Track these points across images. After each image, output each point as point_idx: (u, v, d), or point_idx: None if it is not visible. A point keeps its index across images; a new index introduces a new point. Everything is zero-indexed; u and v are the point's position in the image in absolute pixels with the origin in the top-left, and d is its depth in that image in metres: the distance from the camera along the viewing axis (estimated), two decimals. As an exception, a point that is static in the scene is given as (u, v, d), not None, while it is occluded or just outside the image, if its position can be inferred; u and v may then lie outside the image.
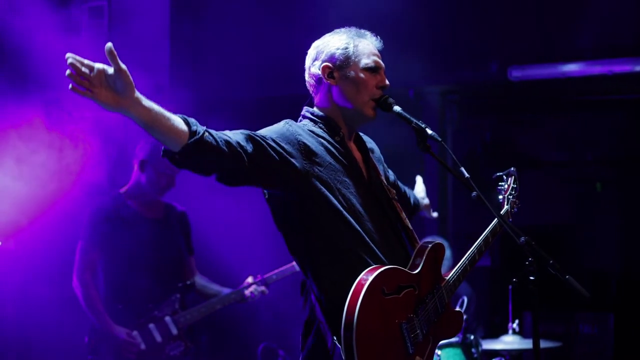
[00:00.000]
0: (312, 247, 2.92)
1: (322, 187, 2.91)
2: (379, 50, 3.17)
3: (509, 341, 5.82)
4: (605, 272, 8.34)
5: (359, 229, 2.93)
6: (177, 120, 2.61)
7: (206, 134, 2.63)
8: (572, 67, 6.81)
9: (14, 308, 7.17)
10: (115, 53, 2.40)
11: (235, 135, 2.76)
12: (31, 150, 6.12)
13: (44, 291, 6.97)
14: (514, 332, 5.85)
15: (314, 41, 3.22)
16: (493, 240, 3.28)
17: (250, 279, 5.39)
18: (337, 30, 3.19)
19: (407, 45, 6.69)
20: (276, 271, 5.41)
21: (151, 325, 5.07)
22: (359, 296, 2.75)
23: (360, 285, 2.78)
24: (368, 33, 3.19)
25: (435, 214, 4.06)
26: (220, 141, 2.67)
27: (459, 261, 3.18)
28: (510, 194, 3.53)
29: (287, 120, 3.03)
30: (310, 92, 3.21)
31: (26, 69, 6.67)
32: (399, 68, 5.62)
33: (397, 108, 3.07)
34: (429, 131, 2.99)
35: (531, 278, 2.82)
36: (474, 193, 2.92)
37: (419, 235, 3.20)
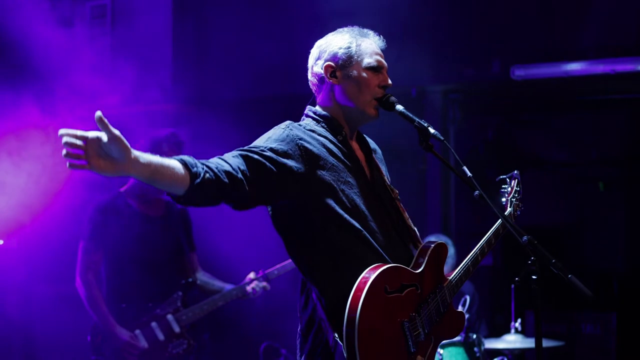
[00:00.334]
0: (313, 249, 2.92)
1: (324, 189, 2.92)
2: (381, 50, 3.17)
3: (511, 340, 5.82)
4: (608, 272, 8.33)
5: (361, 229, 2.93)
6: (177, 166, 2.58)
7: (207, 174, 2.62)
8: (575, 66, 6.79)
9: (17, 307, 7.18)
10: (106, 121, 2.36)
11: (234, 160, 2.75)
12: (29, 148, 6.13)
13: (47, 290, 6.99)
14: (517, 332, 5.85)
15: (316, 40, 3.22)
16: (496, 241, 3.28)
17: (252, 275, 5.39)
18: (340, 29, 3.19)
19: (410, 44, 6.68)
20: (277, 266, 5.41)
21: (153, 324, 5.07)
22: (361, 294, 2.76)
23: (363, 282, 2.79)
24: (371, 32, 3.19)
25: None
26: (221, 174, 2.66)
27: (462, 260, 3.18)
28: (513, 197, 3.52)
29: (289, 123, 3.02)
30: (313, 91, 3.21)
31: (27, 68, 6.68)
32: (402, 67, 5.61)
33: (399, 107, 3.07)
34: (432, 130, 2.99)
35: (534, 277, 2.81)
36: (476, 192, 2.92)
37: (421, 234, 3.20)
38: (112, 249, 5.10)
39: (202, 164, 2.64)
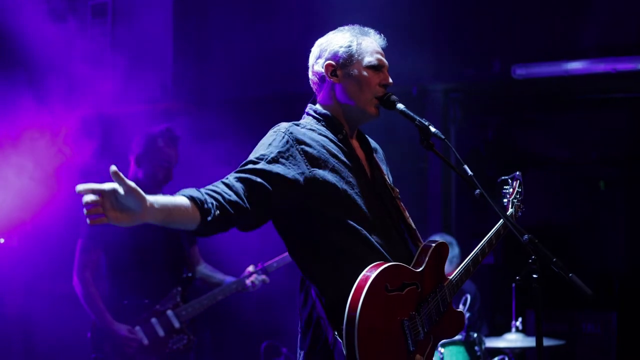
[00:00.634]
0: (313, 249, 2.92)
1: (326, 190, 2.92)
2: (382, 48, 3.17)
3: (512, 339, 5.82)
4: (609, 271, 8.33)
5: (362, 228, 2.93)
6: (187, 205, 2.63)
7: (217, 211, 2.66)
8: (575, 65, 6.79)
9: (17, 304, 7.18)
10: (122, 175, 2.43)
11: (239, 186, 2.77)
12: (28, 147, 6.13)
13: (48, 287, 6.99)
14: (517, 330, 5.85)
15: (317, 39, 3.22)
16: (497, 241, 3.27)
17: (251, 268, 5.39)
18: (341, 28, 3.19)
19: (411, 43, 6.68)
20: (277, 259, 5.41)
21: (153, 320, 5.08)
22: (362, 291, 2.76)
23: (364, 280, 2.79)
24: (372, 31, 3.19)
25: None
26: (229, 206, 2.70)
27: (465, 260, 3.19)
28: (515, 198, 3.51)
29: (288, 126, 3.00)
30: (314, 89, 3.21)
31: (26, 66, 6.69)
32: (402, 66, 5.61)
33: (400, 106, 3.07)
34: (432, 129, 3.00)
35: (534, 276, 2.81)
36: (477, 191, 2.92)
37: (422, 234, 3.20)
38: (112, 246, 5.11)
39: (210, 196, 2.68)
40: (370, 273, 2.81)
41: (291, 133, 2.96)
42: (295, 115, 3.19)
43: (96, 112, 7.15)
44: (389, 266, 2.86)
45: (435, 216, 7.52)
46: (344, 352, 2.74)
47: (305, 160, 2.92)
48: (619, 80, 6.97)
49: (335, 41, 3.13)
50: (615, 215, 8.49)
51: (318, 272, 2.91)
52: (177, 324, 5.13)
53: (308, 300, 2.96)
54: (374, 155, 3.23)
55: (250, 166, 2.85)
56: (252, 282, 5.34)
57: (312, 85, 3.21)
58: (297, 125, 3.06)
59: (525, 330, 5.91)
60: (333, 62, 3.10)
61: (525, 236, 2.83)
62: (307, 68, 3.22)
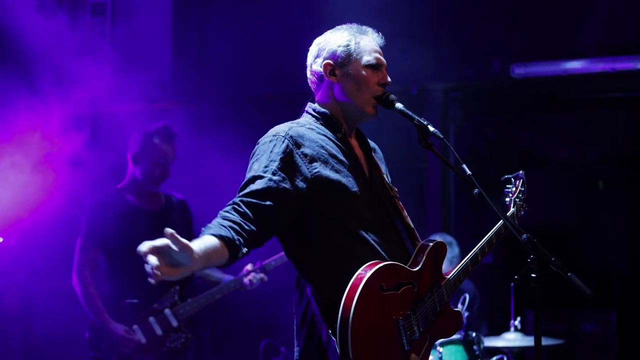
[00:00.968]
0: (310, 248, 2.92)
1: (325, 190, 2.92)
2: (380, 47, 3.17)
3: (510, 339, 5.82)
4: (608, 271, 8.32)
5: (359, 227, 2.93)
6: (220, 246, 2.69)
7: (244, 248, 2.74)
8: (574, 65, 6.80)
9: (16, 304, 7.18)
10: (177, 235, 2.53)
11: (249, 212, 2.80)
12: (27, 146, 6.13)
13: (46, 286, 6.98)
14: (516, 330, 5.85)
15: (316, 38, 3.22)
16: (497, 241, 3.26)
17: (249, 267, 5.39)
18: (339, 26, 3.18)
19: (410, 42, 6.68)
20: (275, 257, 5.41)
21: (151, 319, 5.08)
22: (356, 290, 2.75)
23: (359, 279, 2.78)
24: (370, 29, 3.19)
25: None
26: (249, 237, 2.76)
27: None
28: (517, 197, 3.50)
29: (288, 130, 2.99)
30: (312, 88, 3.21)
31: (25, 67, 6.68)
32: (402, 65, 5.61)
33: (399, 105, 3.07)
34: (431, 128, 2.99)
35: (533, 276, 2.81)
36: (476, 190, 2.92)
37: (421, 233, 3.20)
38: (111, 245, 5.11)
39: (235, 231, 2.73)
40: (365, 272, 2.80)
41: (291, 137, 2.96)
42: (294, 114, 3.18)
43: (95, 110, 7.14)
44: (384, 265, 2.85)
45: (434, 216, 7.52)
46: (338, 351, 2.74)
47: (306, 163, 2.93)
48: (618, 79, 6.97)
49: (334, 40, 3.12)
50: (614, 215, 8.49)
51: (314, 271, 2.91)
52: (175, 323, 5.13)
53: (303, 297, 2.96)
54: (373, 154, 3.23)
55: (257, 186, 2.84)
56: (250, 281, 5.34)
57: (310, 84, 3.21)
58: (296, 124, 3.05)
59: (524, 330, 5.91)
60: (331, 62, 3.10)
61: (524, 235, 2.82)
62: (305, 67, 3.22)
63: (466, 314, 5.51)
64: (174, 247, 2.54)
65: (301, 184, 2.89)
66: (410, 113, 3.05)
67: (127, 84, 6.89)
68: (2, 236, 6.06)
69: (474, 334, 5.67)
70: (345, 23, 3.20)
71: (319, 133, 3.04)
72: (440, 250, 3.08)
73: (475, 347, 5.64)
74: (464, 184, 3.05)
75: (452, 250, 6.46)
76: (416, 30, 6.98)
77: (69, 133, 6.52)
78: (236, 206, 2.81)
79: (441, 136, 2.99)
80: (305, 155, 2.94)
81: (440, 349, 5.48)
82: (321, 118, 3.11)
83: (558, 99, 7.99)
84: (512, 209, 3.47)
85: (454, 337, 5.52)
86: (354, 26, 3.17)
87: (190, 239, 5.51)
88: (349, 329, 2.72)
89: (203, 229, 2.74)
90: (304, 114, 3.18)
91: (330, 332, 2.79)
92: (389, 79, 3.12)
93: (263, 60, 7.29)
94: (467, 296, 5.85)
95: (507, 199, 3.49)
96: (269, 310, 6.70)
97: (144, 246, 2.59)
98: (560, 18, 6.90)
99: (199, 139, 6.87)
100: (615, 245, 8.43)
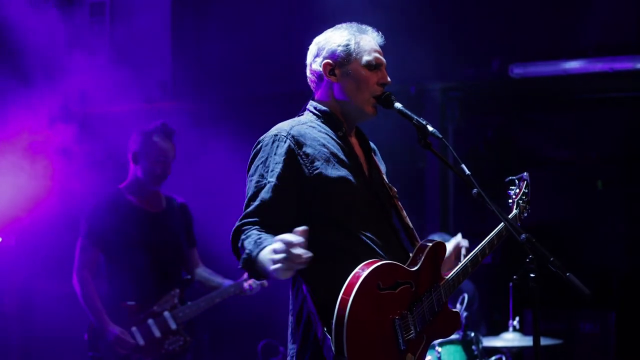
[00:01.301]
0: (310, 246, 2.91)
1: (326, 188, 2.93)
2: (380, 46, 3.17)
3: (509, 339, 5.81)
4: (607, 270, 8.32)
5: (358, 227, 2.93)
6: None
7: None
8: (573, 65, 6.80)
9: (15, 304, 7.18)
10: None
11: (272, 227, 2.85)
12: (27, 146, 6.13)
13: (45, 287, 6.98)
14: (515, 330, 5.84)
15: (316, 37, 3.21)
16: (498, 242, 3.26)
17: None
18: (339, 25, 3.19)
19: (409, 42, 6.68)
20: None
21: (150, 321, 5.08)
22: (353, 289, 2.76)
23: (355, 278, 2.79)
24: (369, 28, 3.19)
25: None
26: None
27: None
28: (520, 199, 3.49)
29: (289, 130, 3.00)
30: (312, 87, 3.21)
31: (23, 67, 6.68)
32: (401, 65, 5.61)
33: (398, 105, 3.07)
34: (430, 128, 3.00)
35: (532, 276, 2.81)
36: (475, 190, 2.92)
37: (420, 233, 3.19)
38: (111, 246, 5.11)
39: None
40: (362, 271, 2.81)
41: (292, 136, 2.96)
42: (293, 114, 3.18)
43: (95, 110, 7.14)
44: (381, 264, 2.86)
45: (433, 216, 7.51)
46: (333, 349, 2.74)
47: (307, 163, 2.94)
48: (616, 79, 6.97)
49: (333, 40, 3.12)
50: (613, 215, 8.48)
51: (312, 270, 2.89)
52: (173, 326, 5.13)
53: (299, 296, 2.97)
54: (373, 155, 3.23)
55: (267, 194, 2.88)
56: (250, 285, 5.34)
57: (309, 83, 3.21)
58: (298, 122, 3.05)
59: (522, 330, 5.91)
60: (331, 61, 3.10)
61: (523, 236, 2.82)
62: (305, 66, 3.22)
63: (465, 313, 5.50)
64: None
65: (303, 184, 2.91)
66: (410, 113, 3.05)
67: (126, 84, 6.89)
68: (1, 236, 6.06)
69: (472, 334, 5.67)
70: (344, 22, 3.21)
71: (320, 131, 3.04)
72: (439, 250, 3.08)
73: (473, 347, 5.64)
74: (463, 184, 3.05)
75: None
76: (415, 29, 6.98)
77: (68, 133, 6.52)
78: (256, 225, 2.86)
79: (440, 136, 3.00)
80: (307, 155, 2.94)
81: (439, 349, 5.48)
82: (322, 116, 3.11)
83: (557, 99, 7.99)
84: (514, 211, 3.46)
85: (453, 337, 5.52)
86: (354, 25, 3.17)
87: (189, 243, 5.55)
88: (344, 327, 2.72)
89: (259, 241, 2.77)
90: (305, 111, 3.18)
91: (325, 330, 2.80)
92: (388, 79, 3.12)
93: (262, 60, 7.29)
94: (466, 296, 5.85)
95: (510, 201, 3.48)
96: (267, 310, 6.69)
97: (295, 238, 2.57)
98: (559, 18, 6.90)
99: (198, 139, 6.87)
100: (614, 244, 8.43)
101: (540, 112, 8.53)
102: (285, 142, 2.94)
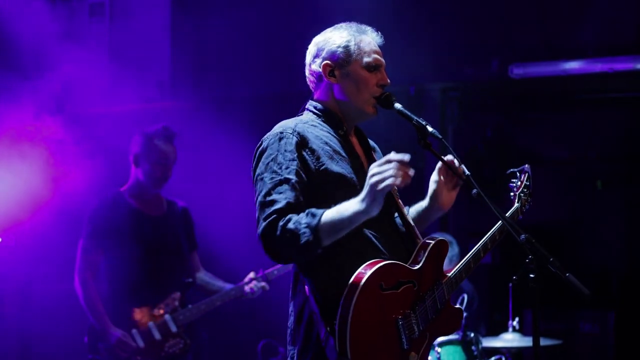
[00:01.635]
0: None
1: (330, 186, 2.93)
2: (379, 46, 3.16)
3: (509, 339, 5.82)
4: (607, 270, 8.33)
5: (361, 225, 2.92)
6: None
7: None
8: (573, 65, 6.80)
9: (14, 305, 7.17)
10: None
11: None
12: (26, 147, 6.13)
13: (45, 288, 6.97)
14: (514, 330, 5.85)
15: (315, 37, 3.21)
16: (500, 238, 3.25)
17: (251, 275, 5.38)
18: (338, 25, 3.18)
19: (409, 42, 6.68)
20: (277, 266, 5.40)
21: (150, 324, 5.08)
22: (356, 290, 2.76)
23: (358, 278, 2.79)
24: (369, 28, 3.18)
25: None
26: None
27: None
28: (522, 192, 3.47)
29: (294, 127, 3.00)
30: (311, 87, 3.21)
31: (22, 67, 6.68)
32: (400, 65, 5.61)
33: (398, 105, 3.07)
34: (430, 128, 2.99)
35: (531, 276, 2.81)
36: (475, 190, 2.91)
37: (420, 233, 3.19)
38: (112, 248, 5.11)
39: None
40: (364, 271, 2.81)
41: (298, 133, 2.97)
42: (292, 114, 3.18)
43: (94, 111, 7.14)
44: (384, 264, 2.86)
45: (432, 215, 7.49)
46: (336, 349, 2.74)
47: (313, 160, 2.94)
48: (616, 79, 6.97)
49: (333, 40, 3.12)
50: (612, 215, 8.49)
51: (316, 269, 2.91)
52: (174, 328, 5.13)
53: (301, 296, 2.96)
54: (373, 153, 3.23)
55: (288, 193, 2.85)
56: (252, 289, 5.33)
57: (309, 83, 3.21)
58: (300, 121, 3.05)
59: (522, 330, 5.91)
60: (330, 62, 3.10)
61: (522, 236, 2.82)
62: (304, 66, 3.22)
63: (465, 314, 5.51)
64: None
65: (310, 180, 2.91)
66: (409, 113, 3.05)
67: (125, 84, 6.89)
68: (1, 237, 6.05)
69: (472, 334, 5.67)
70: (344, 22, 3.20)
71: (321, 130, 3.05)
72: (441, 248, 3.08)
73: (473, 348, 5.64)
74: (463, 184, 3.05)
75: (452, 249, 6.45)
76: (415, 29, 6.98)
77: (67, 134, 6.52)
78: (293, 215, 2.82)
79: (440, 136, 3.00)
80: (313, 151, 2.95)
81: (439, 350, 5.48)
82: (323, 115, 3.11)
83: (557, 99, 7.99)
84: (516, 204, 3.44)
85: (452, 337, 5.52)
86: (353, 25, 3.17)
87: (190, 247, 5.55)
88: (347, 328, 2.72)
89: (310, 212, 2.79)
90: (305, 111, 3.18)
91: (328, 329, 2.80)
92: (387, 81, 3.12)
93: (261, 60, 7.29)
94: (466, 296, 5.86)
95: (512, 194, 3.46)
96: (267, 311, 6.69)
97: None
98: (559, 18, 6.90)
99: (197, 139, 6.86)
100: (614, 244, 8.44)
101: (540, 112, 8.53)
102: (292, 138, 2.94)
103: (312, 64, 3.16)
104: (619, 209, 8.53)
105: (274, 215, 2.80)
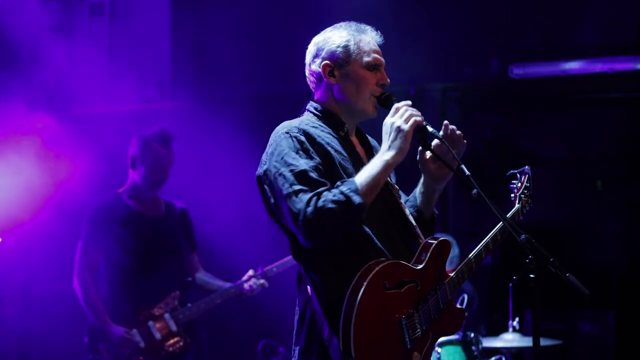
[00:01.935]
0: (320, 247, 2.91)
1: (333, 184, 2.92)
2: (379, 45, 3.16)
3: (509, 339, 5.82)
4: (606, 270, 8.32)
5: (364, 225, 2.92)
6: None
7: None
8: (573, 65, 6.80)
9: (14, 306, 7.17)
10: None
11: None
12: (25, 148, 6.13)
13: (45, 289, 6.97)
14: (514, 330, 5.85)
15: (315, 37, 3.21)
16: (501, 238, 3.24)
17: (250, 272, 5.39)
18: (337, 25, 3.17)
19: (408, 42, 6.68)
20: (276, 264, 5.42)
21: (150, 323, 5.08)
22: (359, 289, 2.76)
23: (362, 278, 2.79)
24: (368, 28, 3.17)
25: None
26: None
27: (464, 259, 3.17)
28: (522, 193, 3.47)
29: (298, 125, 2.99)
30: (311, 87, 3.20)
31: (22, 67, 6.68)
32: (400, 65, 5.61)
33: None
34: (430, 129, 2.99)
35: (531, 276, 2.81)
36: (475, 190, 2.91)
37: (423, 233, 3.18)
38: (111, 249, 5.12)
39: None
40: (368, 271, 2.81)
41: (304, 131, 2.97)
42: (292, 114, 3.18)
43: (93, 111, 7.14)
44: (387, 264, 2.86)
45: (432, 215, 7.49)
46: (340, 348, 2.74)
47: (322, 156, 2.94)
48: (616, 80, 6.97)
49: (332, 40, 3.11)
50: (612, 214, 8.49)
51: (318, 268, 2.90)
52: (174, 327, 5.14)
53: (303, 296, 2.97)
54: (374, 153, 3.23)
55: (312, 177, 2.84)
56: (251, 286, 5.34)
57: (309, 83, 3.20)
58: (301, 122, 3.05)
59: (522, 330, 5.91)
60: (330, 63, 3.09)
61: (522, 236, 2.82)
62: (304, 66, 3.21)
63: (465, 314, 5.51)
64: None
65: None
66: (409, 113, 3.04)
67: (125, 84, 6.89)
68: (0, 237, 6.05)
69: (472, 335, 5.67)
70: (344, 21, 3.20)
71: (322, 131, 3.04)
72: (444, 248, 3.08)
73: (473, 348, 5.64)
74: (463, 184, 3.04)
75: (453, 251, 6.45)
76: (414, 29, 6.98)
77: (67, 134, 6.52)
78: (324, 188, 2.83)
79: (439, 136, 3.00)
80: (319, 152, 2.95)
81: (439, 350, 5.48)
82: (323, 116, 3.11)
83: (556, 99, 7.99)
84: (517, 205, 3.44)
85: (453, 337, 5.53)
86: (353, 25, 3.16)
87: (190, 248, 5.58)
88: (351, 328, 2.73)
89: (345, 180, 2.87)
90: (305, 112, 3.17)
91: (332, 329, 2.80)
92: (387, 80, 3.12)
93: (261, 60, 7.29)
94: (466, 297, 5.86)
95: (512, 195, 3.46)
96: (267, 311, 6.70)
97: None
98: (559, 18, 6.90)
99: (196, 139, 6.86)
100: (613, 244, 8.43)
101: (540, 112, 8.53)
102: (299, 136, 2.94)
103: (312, 64, 3.15)
104: (619, 209, 8.53)
105: (313, 197, 2.77)
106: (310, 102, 3.19)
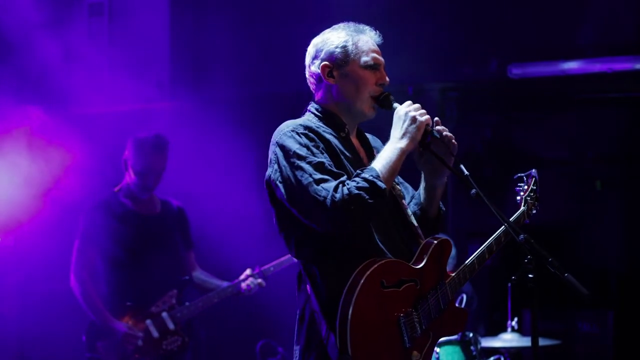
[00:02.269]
0: (314, 245, 2.91)
1: None
2: (378, 45, 3.16)
3: (507, 339, 5.82)
4: (605, 270, 8.32)
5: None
6: None
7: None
8: (572, 65, 6.80)
9: (12, 305, 7.17)
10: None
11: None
12: (24, 147, 6.13)
13: (42, 288, 6.97)
14: (513, 330, 5.85)
15: (314, 37, 3.21)
16: (505, 240, 3.24)
17: (248, 272, 5.40)
18: (336, 26, 3.18)
19: (407, 41, 6.67)
20: (274, 263, 5.42)
21: (148, 321, 5.09)
22: (356, 287, 2.77)
23: (359, 276, 2.80)
24: (367, 28, 3.18)
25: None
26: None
27: (463, 261, 3.17)
28: (528, 196, 3.48)
29: (302, 123, 3.00)
30: (311, 89, 3.21)
31: (22, 67, 6.68)
32: (399, 65, 5.60)
33: (397, 105, 3.07)
34: (429, 128, 3.00)
35: (530, 276, 2.81)
36: (473, 190, 2.92)
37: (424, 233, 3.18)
38: (107, 248, 5.12)
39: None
40: (365, 269, 2.81)
41: (310, 129, 2.97)
42: (293, 115, 3.18)
43: (93, 111, 7.14)
44: (385, 262, 2.86)
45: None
46: (337, 346, 2.74)
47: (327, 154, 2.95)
48: (615, 80, 6.98)
49: (331, 41, 3.11)
50: (611, 215, 8.49)
51: (317, 267, 2.91)
52: (171, 326, 5.14)
53: (303, 295, 2.97)
54: (375, 154, 3.23)
55: (322, 168, 2.84)
56: (248, 286, 5.35)
57: (309, 84, 3.21)
58: (304, 122, 3.05)
59: (521, 330, 5.92)
60: (329, 63, 3.09)
61: (521, 236, 2.82)
62: (304, 67, 3.21)
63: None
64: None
65: None
66: (408, 113, 3.04)
67: (124, 84, 6.89)
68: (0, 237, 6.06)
69: (471, 335, 5.67)
70: (342, 21, 3.20)
71: (324, 132, 3.04)
72: (445, 248, 3.08)
73: (472, 348, 5.64)
74: (462, 184, 3.05)
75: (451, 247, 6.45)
76: (413, 29, 6.98)
77: (66, 135, 6.52)
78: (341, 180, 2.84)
79: (438, 136, 3.00)
80: (327, 146, 2.95)
81: (438, 350, 5.48)
82: (324, 117, 3.11)
83: (555, 99, 7.99)
84: (522, 208, 3.44)
85: (451, 337, 5.52)
86: (351, 25, 3.16)
87: (186, 247, 5.59)
88: (347, 326, 2.73)
89: (363, 169, 2.90)
90: (307, 112, 3.17)
91: (329, 327, 2.80)
92: (387, 79, 3.12)
93: (261, 60, 7.29)
94: (465, 296, 5.86)
95: (518, 198, 3.47)
96: (266, 311, 6.70)
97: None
98: (558, 18, 6.90)
99: (195, 139, 6.86)
100: (612, 244, 8.43)
101: (539, 112, 8.53)
102: (308, 133, 2.94)
103: (311, 66, 3.16)
104: (618, 209, 8.53)
105: (339, 185, 2.78)
106: (311, 103, 3.19)
